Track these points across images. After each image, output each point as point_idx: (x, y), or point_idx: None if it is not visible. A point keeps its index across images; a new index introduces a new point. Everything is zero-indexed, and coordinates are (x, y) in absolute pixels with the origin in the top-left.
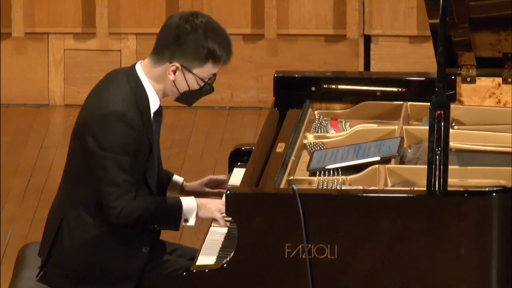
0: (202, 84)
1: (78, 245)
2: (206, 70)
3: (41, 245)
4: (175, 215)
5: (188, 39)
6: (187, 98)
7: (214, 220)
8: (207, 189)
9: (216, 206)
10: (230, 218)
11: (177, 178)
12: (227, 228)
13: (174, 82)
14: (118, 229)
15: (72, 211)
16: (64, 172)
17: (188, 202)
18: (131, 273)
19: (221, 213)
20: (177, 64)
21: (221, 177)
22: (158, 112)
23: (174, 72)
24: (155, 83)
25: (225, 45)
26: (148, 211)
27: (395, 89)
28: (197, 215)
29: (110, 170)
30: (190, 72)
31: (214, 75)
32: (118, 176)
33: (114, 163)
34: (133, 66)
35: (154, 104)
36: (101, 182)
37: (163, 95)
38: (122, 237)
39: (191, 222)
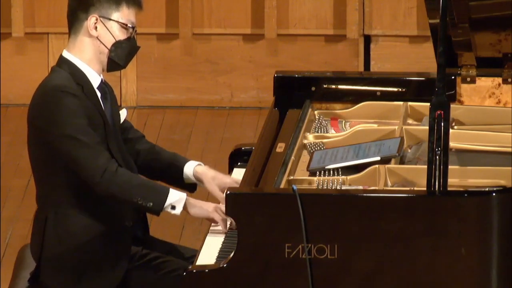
0: (126, 29)
1: (65, 240)
2: (124, 14)
3: (31, 248)
4: (160, 195)
5: None
6: (119, 54)
7: (213, 224)
8: (215, 187)
9: (214, 207)
10: (229, 223)
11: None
12: (226, 229)
13: (99, 39)
14: (99, 211)
15: (52, 209)
16: (34, 176)
17: (178, 192)
18: (120, 254)
19: (221, 216)
20: (95, 15)
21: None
22: (103, 89)
23: (95, 27)
24: (84, 57)
25: None
26: (132, 181)
27: (395, 89)
28: (186, 209)
29: (73, 137)
30: (110, 19)
31: (133, 26)
32: (83, 138)
33: (74, 128)
34: (60, 55)
35: (94, 80)
36: (70, 153)
37: (98, 65)
38: (104, 218)
39: (178, 210)
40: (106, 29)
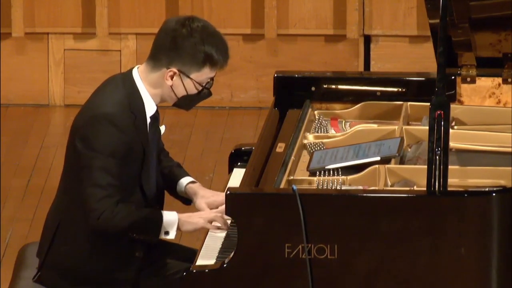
0: (200, 88)
1: (73, 250)
2: (204, 74)
3: (39, 246)
4: (155, 227)
5: (185, 43)
6: (185, 102)
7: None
8: (203, 204)
9: (199, 217)
10: (227, 223)
11: (184, 180)
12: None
13: (171, 88)
14: (111, 234)
15: (68, 215)
16: (62, 175)
17: (170, 216)
18: (126, 278)
19: (209, 221)
20: (175, 69)
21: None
22: (155, 117)
23: (172, 77)
24: (151, 88)
25: (222, 48)
26: (128, 218)
27: (395, 89)
28: (179, 229)
29: (95, 170)
30: (188, 77)
31: (212, 79)
32: (102, 178)
33: (100, 164)
34: (130, 70)
35: (150, 109)
36: (84, 183)
37: (160, 100)
38: (116, 242)
39: (172, 235)
40: (182, 83)
